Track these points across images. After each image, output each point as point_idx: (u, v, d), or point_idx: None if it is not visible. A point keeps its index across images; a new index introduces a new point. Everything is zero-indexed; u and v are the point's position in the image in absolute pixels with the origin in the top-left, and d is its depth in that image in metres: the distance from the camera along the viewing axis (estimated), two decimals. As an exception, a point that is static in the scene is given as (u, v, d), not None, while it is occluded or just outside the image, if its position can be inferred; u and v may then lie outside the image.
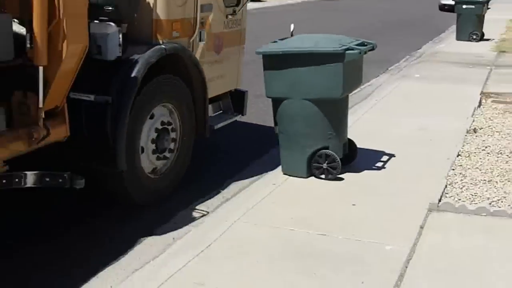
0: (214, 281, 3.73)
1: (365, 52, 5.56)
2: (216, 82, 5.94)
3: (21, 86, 3.91)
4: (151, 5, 4.98)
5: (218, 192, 5.37)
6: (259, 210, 4.88)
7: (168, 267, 3.90)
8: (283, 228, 4.52)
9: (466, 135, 6.93)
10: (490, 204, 4.90)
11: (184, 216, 4.85)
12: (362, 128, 7.23)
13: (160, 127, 5.07)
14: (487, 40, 16.50)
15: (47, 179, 4.05)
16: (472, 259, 4.06)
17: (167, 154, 5.22)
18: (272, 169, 5.83)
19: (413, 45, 15.82)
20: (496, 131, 7.09)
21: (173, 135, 5.26)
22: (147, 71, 4.71)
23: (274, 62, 5.54)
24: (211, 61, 5.81)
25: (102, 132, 4.54)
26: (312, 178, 5.56)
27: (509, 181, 5.41)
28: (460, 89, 9.86)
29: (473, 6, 16.43)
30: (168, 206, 5.06)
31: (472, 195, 5.10)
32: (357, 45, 5.54)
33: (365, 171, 5.78)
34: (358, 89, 9.42)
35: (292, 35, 6.38)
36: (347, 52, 5.32)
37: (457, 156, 6.17)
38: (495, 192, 5.14)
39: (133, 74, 4.62)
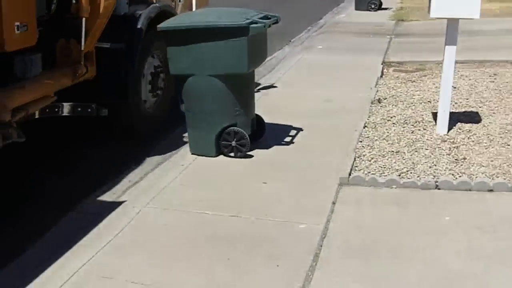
0: (124, 273, 3.51)
1: (269, 26, 5.41)
2: None
3: (63, 34, 5.01)
4: None
5: (124, 177, 5.11)
6: (168, 193, 4.67)
7: (73, 262, 3.64)
8: (194, 212, 4.33)
9: (371, 106, 6.96)
10: (399, 176, 4.90)
11: (88, 205, 4.57)
12: (269, 102, 7.13)
13: (153, 70, 6.25)
14: (385, 9, 16.83)
15: (79, 109, 5.16)
16: (387, 234, 4.03)
17: (159, 92, 6.42)
18: (179, 150, 5.62)
19: (313, 16, 15.89)
20: (400, 101, 7.16)
21: (162, 76, 6.43)
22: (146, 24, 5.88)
23: (177, 37, 5.29)
24: None
25: (117, 72, 5.65)
26: (221, 157, 5.39)
27: (416, 151, 5.45)
28: (362, 59, 9.94)
29: (371, -24, 16.68)
30: (74, 195, 4.76)
31: (381, 167, 5.09)
32: (261, 18, 5.38)
33: (275, 147, 5.66)
34: (263, 62, 9.37)
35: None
36: (251, 26, 5.14)
37: (364, 128, 6.17)
38: (403, 163, 5.15)
39: (138, 26, 5.83)
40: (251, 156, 5.41)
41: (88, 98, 5.26)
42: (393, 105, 7.00)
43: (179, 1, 6.99)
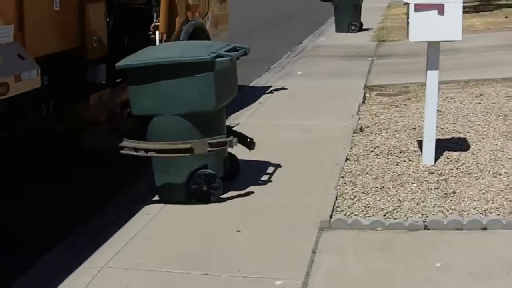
0: None
1: (238, 58, 5.03)
2: None
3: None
4: None
5: (85, 230, 4.66)
6: (132, 249, 4.23)
7: None
8: (159, 271, 3.89)
9: (353, 136, 6.57)
10: (384, 216, 4.49)
11: (42, 266, 4.11)
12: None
13: None
14: (366, 30, 16.52)
15: None
16: (374, 286, 3.62)
17: None
18: (147, 196, 5.18)
19: (293, 40, 15.57)
20: (383, 129, 6.78)
21: None
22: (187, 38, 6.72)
23: (138, 75, 4.88)
24: (212, 33, 7.80)
25: None
26: (192, 203, 4.96)
27: (402, 186, 5.05)
28: (344, 83, 9.59)
29: (349, -3, 16.39)
30: (28, 254, 4.30)
31: (365, 206, 4.68)
32: (228, 50, 4.98)
33: (250, 187, 5.24)
34: (239, 94, 8.99)
35: None
36: (217, 60, 4.76)
37: (346, 161, 5.77)
38: (388, 201, 4.74)
39: (181, 39, 6.65)
40: (224, 200, 4.98)
41: None
42: (376, 133, 6.61)
43: (208, 19, 7.82)
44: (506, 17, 16.54)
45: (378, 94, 8.85)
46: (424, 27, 5.31)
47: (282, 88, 9.54)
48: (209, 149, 4.84)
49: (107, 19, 6.14)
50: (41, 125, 5.50)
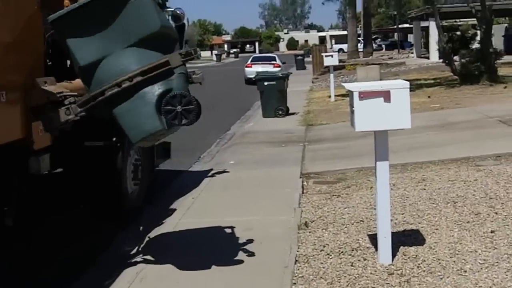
0: None
1: None
2: None
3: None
4: None
5: None
6: None
7: None
8: None
9: (299, 232, 6.06)
10: (350, 332, 3.95)
11: None
12: (177, 241, 6.13)
13: (134, 162, 7.16)
14: (293, 114, 16.43)
15: None
16: None
17: (138, 181, 7.19)
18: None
19: (221, 127, 15.23)
20: (329, 223, 6.31)
21: (140, 168, 7.30)
22: None
23: (75, 21, 4.62)
24: None
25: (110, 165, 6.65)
26: None
27: (361, 291, 4.54)
28: (279, 172, 9.17)
29: (274, 82, 16.33)
30: None
31: (326, 320, 4.13)
32: None
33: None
34: (170, 187, 8.47)
35: None
36: None
37: (296, 263, 5.23)
38: (351, 313, 4.21)
39: None
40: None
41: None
42: (322, 229, 6.13)
43: None
44: (429, 97, 16.85)
45: (316, 182, 8.45)
46: (370, 116, 4.97)
47: (213, 176, 9.09)
48: (182, 59, 4.64)
49: None
50: None
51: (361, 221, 6.26)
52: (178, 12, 8.64)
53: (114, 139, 6.61)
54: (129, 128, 4.63)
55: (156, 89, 4.54)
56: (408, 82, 4.97)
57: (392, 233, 5.53)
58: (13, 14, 4.90)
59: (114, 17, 4.63)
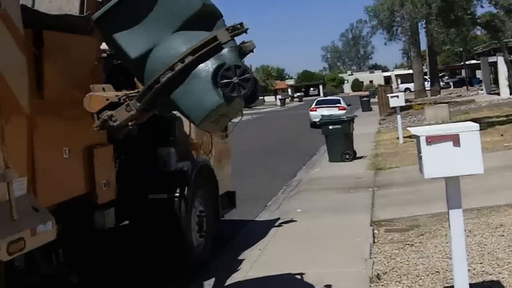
0: None
1: None
2: (220, 184, 7.78)
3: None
4: (188, 133, 7.42)
5: None
6: None
7: None
8: None
9: (370, 285, 5.81)
10: None
11: None
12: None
13: (198, 213, 7.11)
14: (360, 157, 16.16)
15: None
16: None
17: (203, 233, 7.14)
18: None
19: (287, 173, 15.09)
20: (403, 274, 6.02)
21: (205, 220, 7.21)
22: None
23: (121, 15, 4.59)
24: (216, 169, 7.81)
25: (173, 217, 6.59)
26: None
27: None
28: (348, 220, 8.93)
29: (339, 126, 16.16)
30: None
31: None
32: None
33: None
34: (237, 238, 8.35)
35: None
36: None
37: (369, 320, 4.99)
38: None
39: (187, 178, 6.82)
40: None
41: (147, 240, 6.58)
42: (396, 281, 5.85)
43: (212, 155, 8.03)
44: (502, 135, 16.27)
45: (387, 230, 8.18)
46: (439, 161, 4.73)
47: (280, 225, 8.94)
48: (230, 34, 4.53)
49: (116, 160, 6.24)
50: (52, 276, 5.31)
51: (436, 272, 5.96)
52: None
53: (177, 191, 6.61)
54: (190, 109, 4.55)
55: (209, 66, 4.49)
56: (477, 124, 4.73)
57: (470, 284, 5.21)
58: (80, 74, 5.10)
59: (156, 4, 4.63)
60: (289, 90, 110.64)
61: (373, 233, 7.95)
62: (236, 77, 4.39)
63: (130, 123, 4.86)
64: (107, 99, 4.71)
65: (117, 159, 6.42)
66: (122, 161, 6.63)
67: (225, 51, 4.53)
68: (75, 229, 5.54)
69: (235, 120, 8.89)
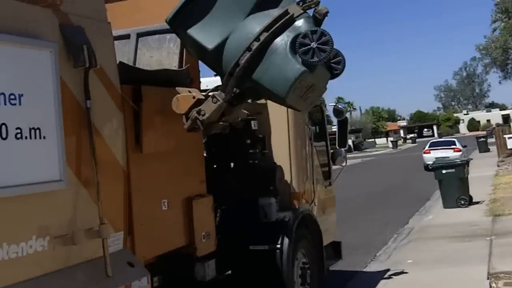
0: None
1: None
2: (324, 234, 7.45)
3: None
4: (289, 182, 7.12)
5: None
6: None
7: None
8: None
9: None
10: None
11: None
12: None
13: (301, 265, 6.84)
14: (477, 203, 15.36)
15: None
16: None
17: (307, 286, 6.88)
18: None
19: (399, 220, 14.55)
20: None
21: (308, 272, 6.94)
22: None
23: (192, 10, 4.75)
24: (320, 219, 7.54)
25: (275, 268, 6.38)
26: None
27: None
28: (462, 273, 8.41)
29: (453, 170, 15.47)
30: None
31: None
32: None
33: None
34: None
35: None
36: None
37: None
38: None
39: (289, 229, 6.57)
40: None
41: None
42: None
43: (314, 205, 7.68)
44: None
45: (506, 284, 7.61)
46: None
47: (390, 277, 8.53)
48: (302, 8, 4.54)
49: (216, 211, 6.19)
50: None
51: None
52: (339, 107, 8.62)
53: (279, 242, 6.46)
54: (274, 85, 4.52)
55: (285, 38, 4.48)
56: None
57: None
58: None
59: None
60: (401, 131, 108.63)
61: (491, 286, 7.40)
62: (314, 42, 4.37)
63: (221, 121, 4.88)
64: (194, 97, 4.77)
65: (217, 209, 6.39)
66: (222, 212, 6.59)
67: (299, 22, 4.53)
68: (175, 281, 5.50)
69: (340, 165, 8.78)
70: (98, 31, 4.06)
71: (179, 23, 4.77)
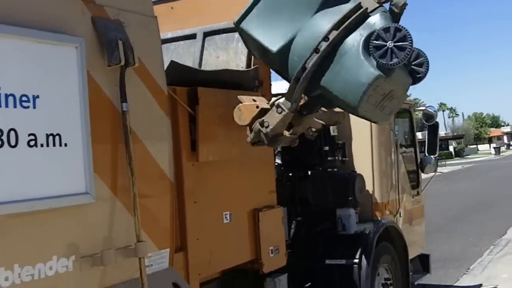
0: None
1: None
2: (410, 247, 6.73)
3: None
4: (370, 192, 6.39)
5: None
6: None
7: None
8: None
9: None
10: None
11: None
12: None
13: (383, 281, 6.17)
14: None
15: None
16: None
17: None
18: None
19: (496, 231, 13.19)
20: None
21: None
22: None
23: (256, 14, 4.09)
24: (406, 230, 6.80)
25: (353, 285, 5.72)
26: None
27: None
28: None
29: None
30: None
31: None
32: None
33: None
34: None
35: None
36: None
37: None
38: None
39: (369, 243, 5.91)
40: None
41: None
42: None
43: (400, 216, 6.86)
44: None
45: None
46: None
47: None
48: (377, 1, 3.75)
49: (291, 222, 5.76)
50: None
51: None
52: (430, 110, 7.51)
53: (358, 256, 5.77)
54: (345, 92, 3.71)
55: (358, 36, 3.67)
56: None
57: None
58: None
59: None
60: (505, 137, 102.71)
61: None
62: (390, 41, 3.52)
63: (288, 133, 4.14)
64: (257, 106, 4.07)
65: (291, 221, 5.69)
66: (297, 223, 5.87)
67: (374, 18, 3.70)
68: None
69: (429, 174, 7.76)
70: (141, 26, 3.42)
71: (245, 25, 4.10)
